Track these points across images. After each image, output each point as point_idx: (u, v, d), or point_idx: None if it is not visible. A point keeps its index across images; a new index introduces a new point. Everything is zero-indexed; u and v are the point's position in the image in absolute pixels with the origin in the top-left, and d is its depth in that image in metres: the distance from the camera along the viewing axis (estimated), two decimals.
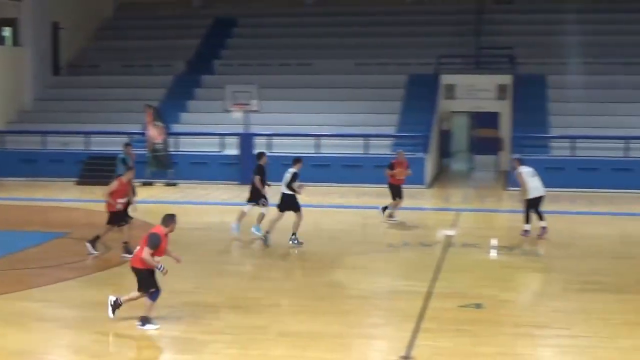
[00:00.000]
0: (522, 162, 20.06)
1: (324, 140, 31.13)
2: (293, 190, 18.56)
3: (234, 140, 31.41)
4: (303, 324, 12.32)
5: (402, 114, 32.96)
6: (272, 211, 19.16)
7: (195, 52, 38.80)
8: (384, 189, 22.05)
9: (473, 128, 41.24)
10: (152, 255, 11.75)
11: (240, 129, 31.16)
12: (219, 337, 11.64)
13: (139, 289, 12.03)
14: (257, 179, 19.29)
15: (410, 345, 11.28)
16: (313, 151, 30.62)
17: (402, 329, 12.06)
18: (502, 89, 35.44)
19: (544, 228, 19.85)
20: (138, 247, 12.00)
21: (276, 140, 31.34)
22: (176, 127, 32.96)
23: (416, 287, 14.74)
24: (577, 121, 31.33)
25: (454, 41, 36.52)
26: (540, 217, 19.90)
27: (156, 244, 11.77)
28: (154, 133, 30.74)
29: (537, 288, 15.50)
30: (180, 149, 31.84)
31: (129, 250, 16.52)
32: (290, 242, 18.61)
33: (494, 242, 19.70)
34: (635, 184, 28.72)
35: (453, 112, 38.83)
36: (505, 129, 35.00)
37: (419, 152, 30.43)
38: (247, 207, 19.83)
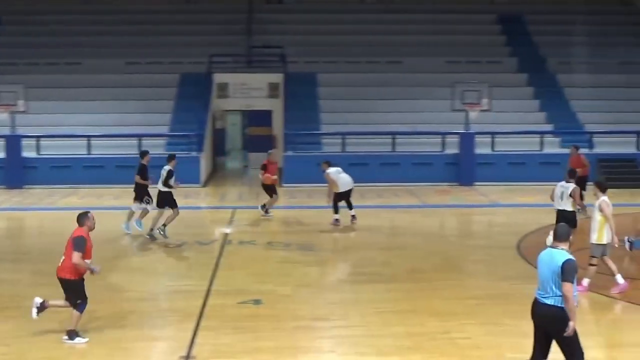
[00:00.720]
0: (330, 164, 21.34)
1: (95, 141, 30.38)
2: (169, 186, 19.19)
3: None
4: (82, 329, 12.01)
5: (175, 113, 32.80)
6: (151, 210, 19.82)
7: None
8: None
9: (246, 126, 41.60)
10: (83, 258, 11.32)
11: (6, 131, 29.92)
12: None
13: (67, 299, 11.56)
14: (137, 177, 19.77)
15: (191, 345, 11.31)
16: (84, 152, 29.87)
17: (182, 329, 12.05)
18: (273, 87, 36.03)
19: (353, 216, 21.22)
20: (63, 257, 11.45)
21: (45, 142, 30.30)
22: None
23: (195, 286, 14.79)
24: (347, 118, 32.34)
25: (226, 40, 36.79)
26: (350, 207, 21.20)
27: (82, 245, 11.34)
28: None
29: (313, 281, 15.85)
30: None
31: None
32: (158, 232, 19.22)
33: (270, 238, 20.02)
34: (402, 178, 29.98)
35: (226, 110, 39.10)
36: (277, 127, 35.62)
37: (193, 151, 30.48)
38: (135, 207, 20.10)
